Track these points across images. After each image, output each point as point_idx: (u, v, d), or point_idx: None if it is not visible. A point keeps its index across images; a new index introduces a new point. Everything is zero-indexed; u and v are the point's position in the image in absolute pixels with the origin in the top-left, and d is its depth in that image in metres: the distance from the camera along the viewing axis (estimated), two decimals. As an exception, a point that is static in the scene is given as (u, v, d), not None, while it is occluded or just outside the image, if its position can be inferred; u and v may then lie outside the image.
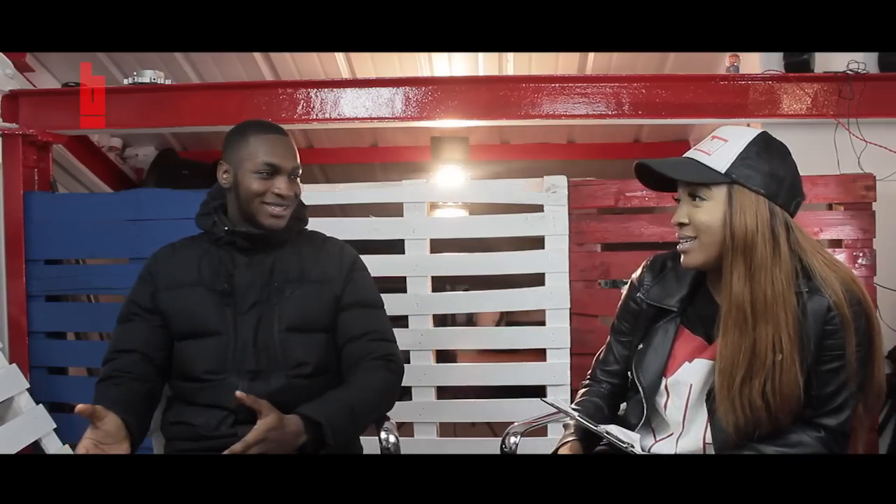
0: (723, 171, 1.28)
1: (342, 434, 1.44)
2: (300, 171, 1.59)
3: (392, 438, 1.60)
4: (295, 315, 1.54)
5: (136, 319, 1.57)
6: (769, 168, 1.28)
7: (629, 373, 1.47)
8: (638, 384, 1.43)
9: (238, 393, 1.36)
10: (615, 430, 1.38)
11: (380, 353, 1.58)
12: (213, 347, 1.52)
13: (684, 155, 1.36)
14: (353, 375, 1.56)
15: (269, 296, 1.54)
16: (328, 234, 1.72)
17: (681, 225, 1.33)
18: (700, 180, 1.29)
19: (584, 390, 1.56)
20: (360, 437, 1.66)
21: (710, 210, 1.29)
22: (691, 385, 1.38)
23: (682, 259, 1.36)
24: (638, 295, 1.47)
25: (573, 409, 1.42)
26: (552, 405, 1.43)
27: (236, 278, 1.55)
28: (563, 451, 1.42)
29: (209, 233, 1.59)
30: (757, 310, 1.27)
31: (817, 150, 2.43)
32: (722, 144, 1.31)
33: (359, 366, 1.56)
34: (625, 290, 1.55)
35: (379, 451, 1.59)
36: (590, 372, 1.58)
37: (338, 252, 1.66)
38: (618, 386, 1.53)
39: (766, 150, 1.30)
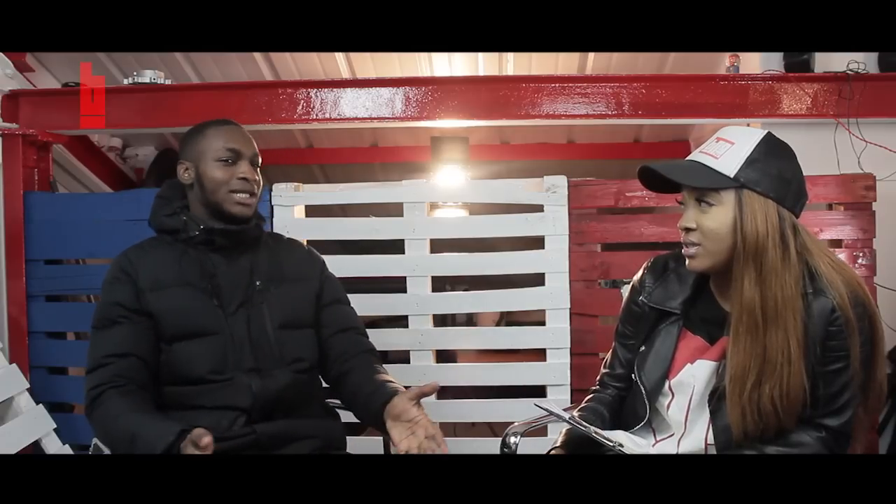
0: (731, 176, 1.27)
1: None
2: (260, 160, 1.60)
3: None
4: (284, 312, 1.56)
5: (123, 322, 1.48)
6: (777, 171, 1.27)
7: (633, 375, 1.47)
8: (641, 385, 1.43)
9: (433, 383, 1.39)
10: (603, 431, 1.38)
11: (366, 347, 1.67)
12: (211, 348, 1.49)
13: (689, 157, 1.34)
14: (363, 368, 1.59)
15: (252, 295, 1.55)
16: (330, 234, 1.74)
17: (687, 230, 1.33)
18: (710, 186, 1.28)
19: (590, 396, 1.56)
20: (359, 437, 1.66)
21: (718, 215, 1.29)
22: (694, 386, 1.38)
23: (687, 263, 1.36)
24: (640, 298, 1.47)
25: (565, 412, 1.41)
26: (544, 408, 1.43)
27: (219, 278, 1.54)
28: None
29: (181, 232, 1.54)
30: (768, 315, 1.26)
31: (817, 150, 2.42)
32: (729, 147, 1.29)
33: (357, 357, 1.62)
34: (625, 291, 1.55)
35: (375, 452, 1.60)
36: (598, 377, 1.58)
37: (307, 252, 1.73)
38: (625, 390, 1.53)
39: (774, 152, 1.29)
